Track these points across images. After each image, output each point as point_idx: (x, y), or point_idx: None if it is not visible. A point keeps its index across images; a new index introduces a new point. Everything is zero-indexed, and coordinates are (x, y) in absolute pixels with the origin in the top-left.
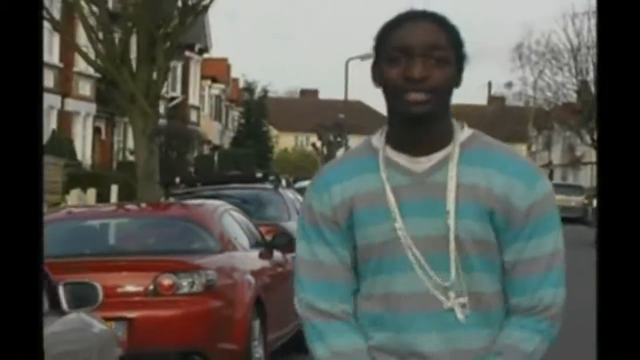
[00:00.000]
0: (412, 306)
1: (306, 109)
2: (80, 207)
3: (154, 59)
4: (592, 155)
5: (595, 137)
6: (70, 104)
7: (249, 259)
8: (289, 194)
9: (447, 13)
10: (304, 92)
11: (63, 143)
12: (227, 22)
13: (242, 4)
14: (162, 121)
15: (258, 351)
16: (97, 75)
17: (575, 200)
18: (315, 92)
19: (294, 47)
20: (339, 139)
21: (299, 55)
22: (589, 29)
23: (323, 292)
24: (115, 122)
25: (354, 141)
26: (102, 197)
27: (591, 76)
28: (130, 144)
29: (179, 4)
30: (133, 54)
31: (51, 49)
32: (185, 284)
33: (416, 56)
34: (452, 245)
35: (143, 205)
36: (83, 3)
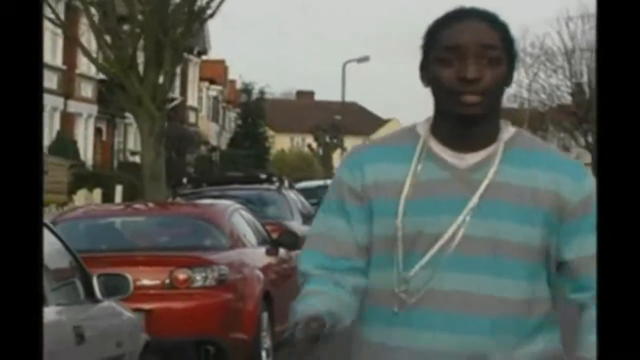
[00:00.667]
0: (404, 302)
1: (302, 110)
2: (95, 206)
3: (161, 64)
4: (587, 157)
5: (589, 139)
6: (73, 106)
7: (257, 256)
8: (292, 195)
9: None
10: (300, 94)
11: (67, 144)
12: (224, 23)
13: (239, 6)
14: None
15: (266, 341)
16: (99, 77)
17: None
18: (311, 94)
19: (290, 48)
20: (335, 140)
21: (296, 57)
22: (583, 32)
23: (326, 263)
24: (116, 124)
25: (350, 142)
26: (107, 197)
27: (585, 78)
28: (131, 144)
29: (185, 11)
30: (140, 59)
31: (55, 52)
32: (199, 278)
33: (469, 56)
34: (460, 245)
35: (158, 204)
36: (93, 9)
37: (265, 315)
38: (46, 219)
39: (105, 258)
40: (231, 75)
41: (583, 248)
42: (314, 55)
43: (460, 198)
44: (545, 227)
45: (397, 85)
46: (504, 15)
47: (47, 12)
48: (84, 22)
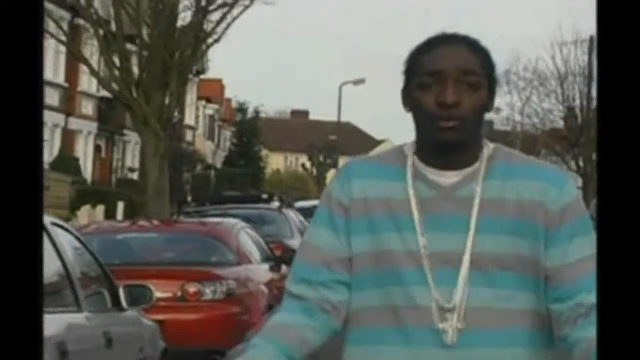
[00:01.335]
0: (413, 319)
1: (296, 130)
2: (107, 222)
3: (166, 85)
4: (577, 181)
5: (580, 163)
6: (74, 123)
7: (261, 271)
8: (291, 214)
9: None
10: (294, 113)
11: (69, 160)
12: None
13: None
14: None
15: None
16: (100, 94)
17: None
18: (305, 113)
19: (285, 67)
20: (329, 160)
21: (290, 77)
22: (575, 57)
23: (309, 273)
24: (115, 141)
25: (344, 162)
26: (109, 214)
27: (577, 103)
28: (129, 161)
29: (192, 34)
30: (146, 79)
31: (57, 69)
32: (208, 291)
33: (448, 81)
34: (466, 263)
35: (167, 222)
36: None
37: None
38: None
39: (119, 272)
40: (227, 94)
41: (563, 256)
42: (308, 75)
43: (449, 216)
44: (535, 237)
45: (391, 106)
46: (498, 39)
47: (51, 28)
48: (86, 40)
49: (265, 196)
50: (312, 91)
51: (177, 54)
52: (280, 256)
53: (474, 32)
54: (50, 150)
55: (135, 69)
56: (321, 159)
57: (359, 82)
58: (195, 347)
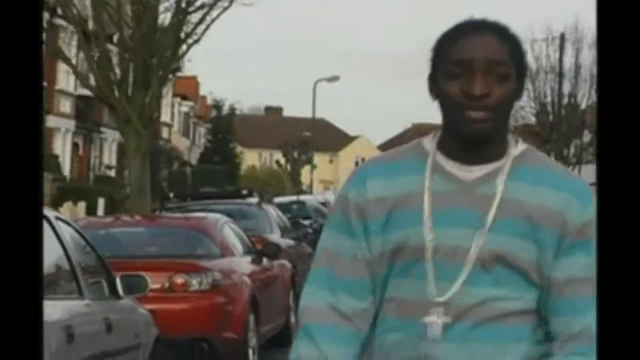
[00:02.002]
0: (408, 312)
1: (270, 126)
2: (94, 218)
3: (148, 85)
4: None
5: (552, 158)
6: (52, 121)
7: (244, 264)
8: (271, 209)
9: (410, 37)
10: (268, 109)
11: (50, 158)
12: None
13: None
14: None
15: (252, 341)
16: (77, 93)
17: None
18: (279, 110)
19: (259, 64)
20: (303, 157)
21: (265, 73)
22: (547, 54)
23: (335, 286)
24: (93, 138)
25: (317, 158)
26: (91, 210)
27: (549, 99)
28: (106, 159)
29: (172, 37)
30: (128, 79)
31: None
32: (195, 282)
33: (476, 72)
34: (471, 259)
35: (154, 217)
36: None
37: (252, 317)
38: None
39: (110, 265)
40: (202, 91)
41: (575, 270)
42: (282, 71)
43: (466, 211)
44: (546, 244)
45: (365, 102)
46: None
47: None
48: (65, 39)
49: (245, 192)
50: (286, 88)
51: (158, 54)
52: (261, 250)
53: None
54: None
55: (117, 69)
56: (296, 155)
57: (333, 79)
58: (183, 336)
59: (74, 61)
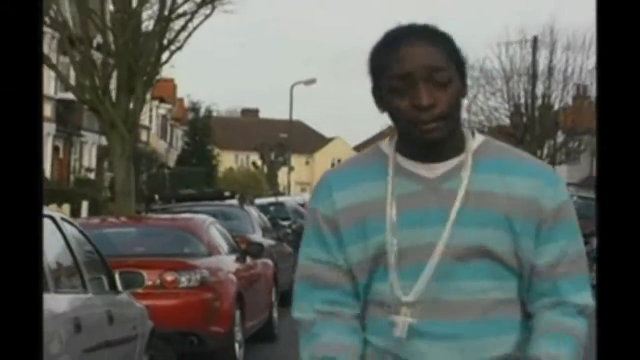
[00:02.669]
0: (379, 314)
1: (247, 129)
2: (87, 219)
3: (132, 90)
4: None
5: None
6: None
7: (230, 262)
8: (253, 211)
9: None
10: (245, 112)
11: None
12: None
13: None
14: None
15: (238, 335)
16: (58, 97)
17: None
18: (256, 112)
19: (235, 67)
20: (280, 158)
21: (241, 76)
22: (521, 56)
23: (320, 296)
24: (73, 142)
25: (294, 160)
26: (75, 213)
27: (523, 101)
28: (86, 162)
29: (156, 43)
30: (112, 85)
31: None
32: (184, 280)
33: (419, 82)
34: (437, 256)
35: (144, 218)
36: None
37: (238, 313)
38: None
39: None
40: (179, 94)
41: (560, 255)
42: (259, 74)
43: (436, 208)
44: (521, 232)
45: (341, 104)
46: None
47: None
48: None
49: (228, 194)
50: (262, 90)
51: (142, 60)
52: (246, 249)
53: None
54: None
55: (102, 75)
56: (273, 157)
57: (310, 82)
58: (174, 330)
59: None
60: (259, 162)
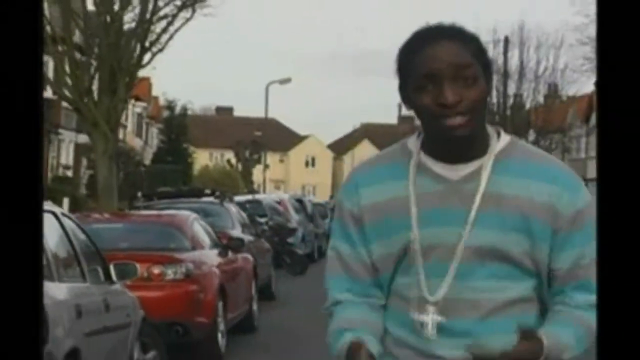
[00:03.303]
0: (404, 310)
1: (221, 126)
2: (74, 216)
3: (114, 91)
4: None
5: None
6: None
7: (213, 256)
8: (232, 207)
9: (359, 38)
10: (219, 110)
11: None
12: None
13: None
14: None
15: (221, 325)
16: None
17: None
18: (230, 110)
19: (209, 64)
20: (255, 156)
21: (215, 73)
22: (493, 56)
23: (345, 285)
24: (51, 139)
25: (269, 158)
26: None
27: (495, 100)
28: (64, 159)
29: (138, 45)
30: (94, 85)
31: None
32: (170, 272)
33: (444, 81)
34: (459, 256)
35: (131, 214)
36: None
37: (220, 304)
38: None
39: None
40: (154, 92)
41: (578, 259)
42: (232, 71)
43: (456, 209)
44: (539, 236)
45: (315, 102)
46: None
47: None
48: None
49: (208, 191)
50: (236, 88)
51: (124, 61)
52: (227, 243)
53: (397, 36)
54: None
55: (85, 75)
56: (247, 155)
57: (285, 81)
58: (160, 320)
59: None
60: (234, 160)
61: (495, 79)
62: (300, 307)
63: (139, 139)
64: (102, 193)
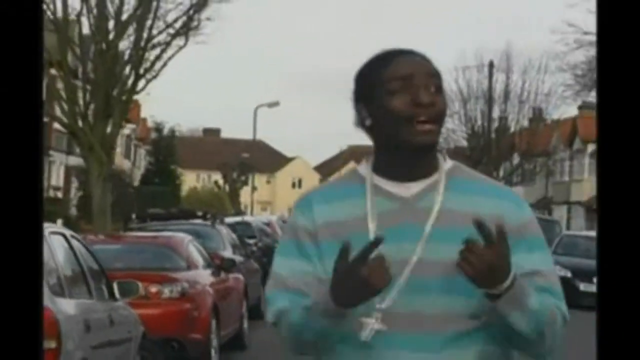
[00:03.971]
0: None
1: (209, 148)
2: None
3: (109, 115)
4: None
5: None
6: None
7: (206, 276)
8: (223, 229)
9: (346, 60)
10: (206, 131)
11: None
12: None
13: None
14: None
15: (214, 342)
16: None
17: None
18: (217, 132)
19: (196, 87)
20: (242, 178)
21: (202, 95)
22: (478, 80)
23: (287, 297)
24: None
25: (256, 180)
26: None
27: (479, 124)
28: (54, 181)
29: (132, 72)
30: (90, 110)
31: None
32: (166, 291)
33: (419, 83)
34: (410, 270)
35: (128, 236)
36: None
37: (214, 322)
38: None
39: None
40: (142, 114)
41: (524, 264)
42: (220, 94)
43: (411, 226)
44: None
45: (302, 124)
46: None
47: None
48: None
49: (200, 213)
50: (223, 110)
51: (119, 87)
52: (219, 264)
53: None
54: None
55: (80, 101)
56: (235, 176)
57: (273, 104)
58: (157, 336)
59: None
60: (221, 182)
61: (481, 103)
62: None
63: (127, 160)
64: (96, 215)
